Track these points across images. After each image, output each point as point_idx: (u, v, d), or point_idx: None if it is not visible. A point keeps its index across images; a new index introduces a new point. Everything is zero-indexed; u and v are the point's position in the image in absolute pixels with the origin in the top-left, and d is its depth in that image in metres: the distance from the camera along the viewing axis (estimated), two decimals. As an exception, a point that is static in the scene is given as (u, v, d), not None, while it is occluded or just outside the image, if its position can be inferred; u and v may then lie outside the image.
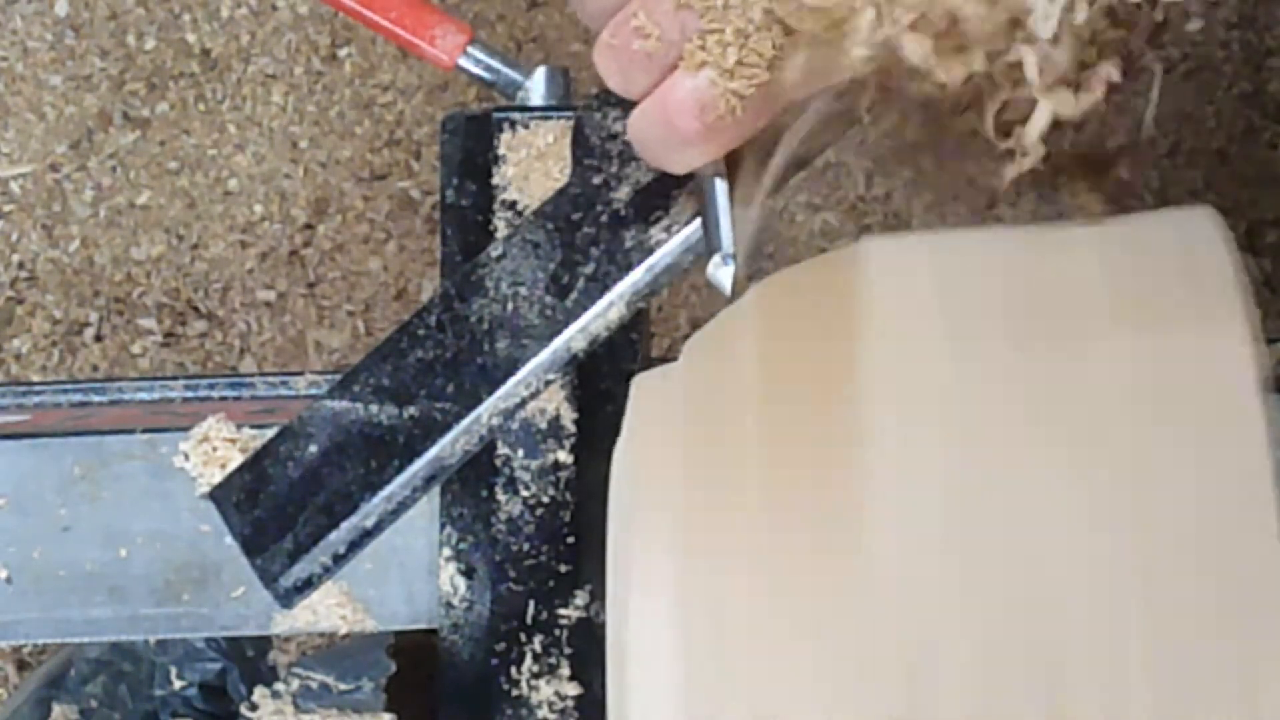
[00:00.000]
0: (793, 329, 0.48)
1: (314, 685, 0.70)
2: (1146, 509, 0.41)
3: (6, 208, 1.18)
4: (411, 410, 0.60)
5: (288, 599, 0.61)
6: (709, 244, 0.57)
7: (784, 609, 0.43)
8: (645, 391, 0.52)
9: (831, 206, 1.12)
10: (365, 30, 1.17)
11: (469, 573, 0.67)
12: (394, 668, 0.72)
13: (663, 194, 0.60)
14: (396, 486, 0.60)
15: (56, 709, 0.79)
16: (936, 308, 0.45)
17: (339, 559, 0.61)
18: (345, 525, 0.60)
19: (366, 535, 0.61)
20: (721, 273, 0.56)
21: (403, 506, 0.60)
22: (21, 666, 1.07)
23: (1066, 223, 0.49)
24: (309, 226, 1.16)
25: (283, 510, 0.61)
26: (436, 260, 1.14)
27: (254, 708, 0.69)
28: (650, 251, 0.60)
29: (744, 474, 0.46)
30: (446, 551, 0.67)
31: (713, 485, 0.46)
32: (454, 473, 0.61)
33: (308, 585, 0.61)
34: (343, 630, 0.69)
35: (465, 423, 0.60)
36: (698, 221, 0.59)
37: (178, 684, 0.80)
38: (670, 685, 0.45)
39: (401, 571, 0.69)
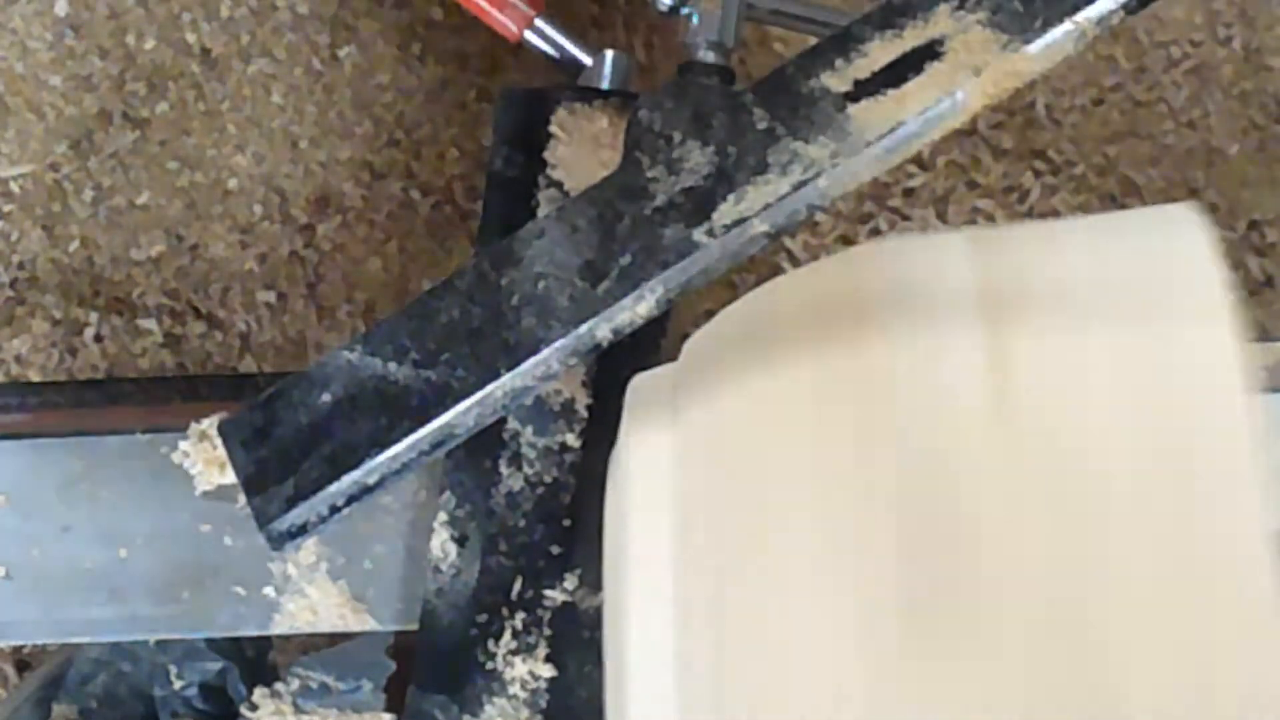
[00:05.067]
0: (793, 332, 0.47)
1: (314, 685, 0.70)
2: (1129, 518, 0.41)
3: (6, 208, 1.18)
4: (429, 374, 0.60)
5: (279, 542, 0.61)
6: None
7: (784, 610, 0.43)
8: (643, 392, 0.52)
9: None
10: (365, 30, 1.17)
11: (461, 540, 0.67)
12: (394, 668, 0.72)
13: (709, 198, 0.60)
14: (403, 448, 0.60)
15: (56, 709, 0.79)
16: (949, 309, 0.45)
17: (335, 510, 0.60)
18: (347, 478, 0.60)
19: (366, 490, 0.60)
20: None
21: (406, 468, 0.60)
22: (21, 666, 1.07)
23: (1058, 219, 0.49)
24: (309, 226, 1.16)
25: (288, 454, 0.61)
26: (438, 259, 1.14)
27: (254, 708, 0.69)
28: (689, 252, 0.59)
29: (742, 476, 0.46)
30: (442, 516, 0.67)
31: (711, 487, 0.46)
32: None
33: (301, 531, 0.60)
34: (342, 630, 0.69)
35: (480, 394, 0.60)
36: (740, 228, 0.59)
37: (178, 684, 0.80)
38: (668, 685, 0.45)
39: (401, 571, 0.69)
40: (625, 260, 0.60)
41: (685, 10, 0.69)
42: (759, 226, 0.59)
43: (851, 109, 0.60)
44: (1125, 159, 1.11)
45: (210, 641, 0.80)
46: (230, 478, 0.64)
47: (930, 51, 0.60)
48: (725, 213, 0.59)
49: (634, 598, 0.47)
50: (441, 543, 0.67)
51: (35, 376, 1.14)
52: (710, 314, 0.56)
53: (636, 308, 0.60)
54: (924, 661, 0.41)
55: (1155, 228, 0.46)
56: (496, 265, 0.61)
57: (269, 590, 0.69)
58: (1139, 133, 1.12)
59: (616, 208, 0.61)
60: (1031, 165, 1.11)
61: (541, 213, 0.69)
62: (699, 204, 0.60)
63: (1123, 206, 1.11)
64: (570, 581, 0.66)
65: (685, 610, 0.45)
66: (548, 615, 0.66)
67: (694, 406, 0.49)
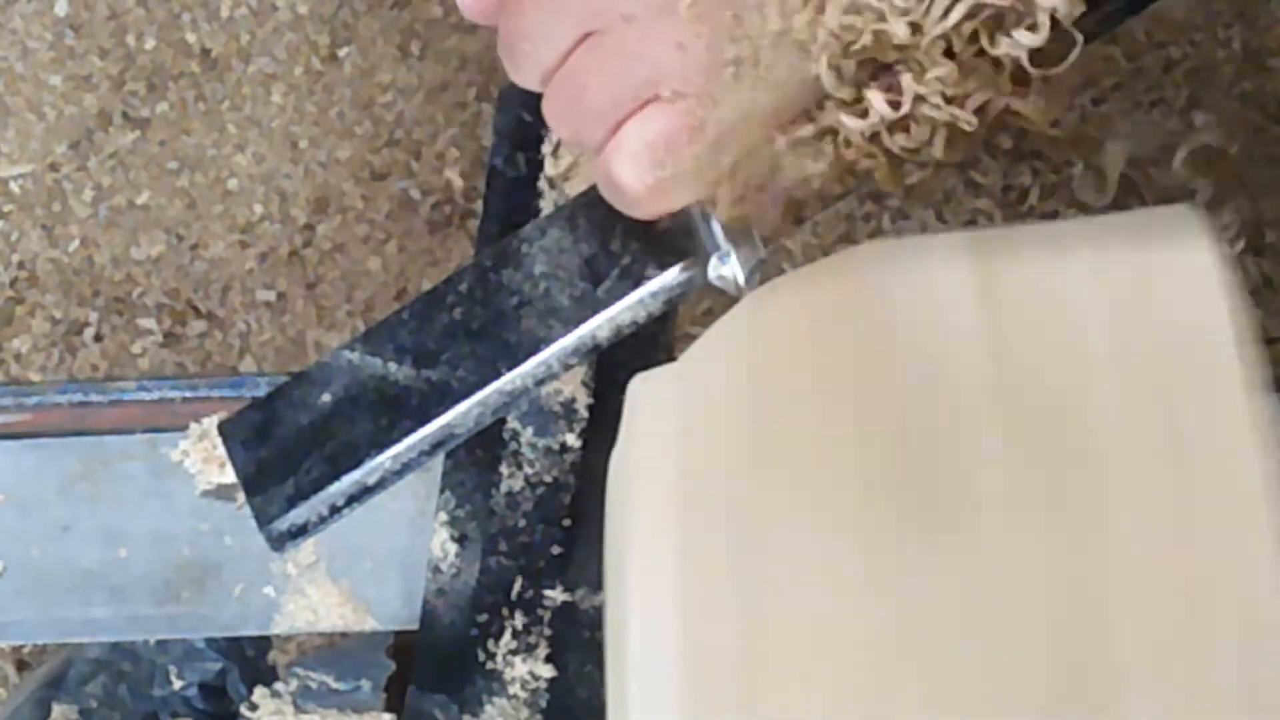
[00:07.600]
0: (791, 334, 0.48)
1: (314, 685, 0.70)
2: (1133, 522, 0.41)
3: (6, 208, 1.18)
4: (430, 374, 0.60)
5: (279, 543, 0.60)
6: (700, 247, 0.57)
7: (783, 611, 0.43)
8: (643, 393, 0.52)
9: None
10: (365, 30, 1.17)
11: (461, 540, 0.67)
12: (394, 668, 0.72)
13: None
14: (404, 448, 0.60)
15: (56, 709, 0.79)
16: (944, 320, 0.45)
17: (336, 510, 0.60)
18: (347, 478, 0.60)
19: (367, 491, 0.60)
20: (723, 272, 0.56)
21: (406, 468, 0.60)
22: (21, 666, 1.07)
23: (1057, 222, 0.49)
24: (309, 226, 1.16)
25: (288, 454, 0.60)
26: (437, 260, 1.14)
27: (254, 708, 0.69)
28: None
29: (741, 478, 0.46)
30: (442, 516, 0.67)
31: (710, 489, 0.46)
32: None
33: (301, 532, 0.60)
34: (342, 630, 0.69)
35: (481, 394, 0.59)
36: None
37: (178, 684, 0.80)
38: (670, 689, 0.45)
39: (401, 571, 0.69)
40: (626, 260, 0.59)
41: None
42: None
43: None
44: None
45: (210, 641, 0.80)
46: (230, 476, 0.64)
47: None
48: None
49: (635, 597, 0.47)
50: (441, 542, 0.67)
51: (35, 376, 1.14)
52: (710, 314, 0.56)
53: (637, 308, 0.60)
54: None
55: (1155, 228, 0.46)
56: (496, 265, 0.61)
57: (269, 590, 0.69)
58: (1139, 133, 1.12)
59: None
60: (1031, 165, 1.11)
61: (542, 213, 0.69)
62: None
63: (1123, 207, 1.11)
64: (570, 582, 0.66)
65: (690, 608, 0.45)
66: (548, 615, 0.66)
67: (694, 403, 0.49)
